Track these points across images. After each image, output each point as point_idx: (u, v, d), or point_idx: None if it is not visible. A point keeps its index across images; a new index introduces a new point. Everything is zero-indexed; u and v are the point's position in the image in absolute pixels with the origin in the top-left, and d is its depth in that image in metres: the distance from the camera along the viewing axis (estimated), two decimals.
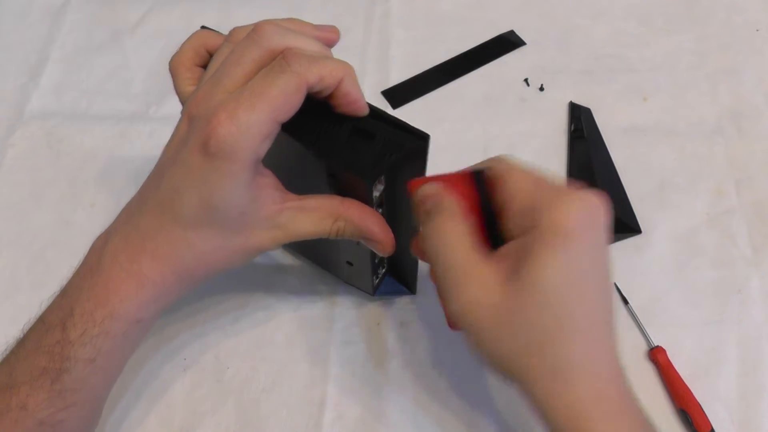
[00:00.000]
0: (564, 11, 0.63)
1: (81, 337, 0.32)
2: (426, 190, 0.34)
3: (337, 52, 0.61)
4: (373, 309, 0.47)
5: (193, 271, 0.35)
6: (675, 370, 0.44)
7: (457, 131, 0.56)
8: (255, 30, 0.33)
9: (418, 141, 0.35)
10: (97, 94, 0.60)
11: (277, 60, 0.32)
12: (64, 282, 0.50)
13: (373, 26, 0.63)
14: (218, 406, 0.44)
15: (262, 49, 0.32)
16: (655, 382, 0.44)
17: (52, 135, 0.57)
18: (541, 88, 0.58)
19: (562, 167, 0.54)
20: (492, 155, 0.54)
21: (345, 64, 0.34)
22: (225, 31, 0.66)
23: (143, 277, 0.33)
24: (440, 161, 0.54)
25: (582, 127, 0.55)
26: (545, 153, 0.55)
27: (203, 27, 0.39)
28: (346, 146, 0.34)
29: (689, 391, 0.43)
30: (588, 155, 0.54)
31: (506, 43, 0.61)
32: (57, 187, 0.54)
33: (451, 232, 0.32)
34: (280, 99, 0.31)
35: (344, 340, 0.46)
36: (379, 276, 0.46)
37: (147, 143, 0.56)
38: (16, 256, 0.51)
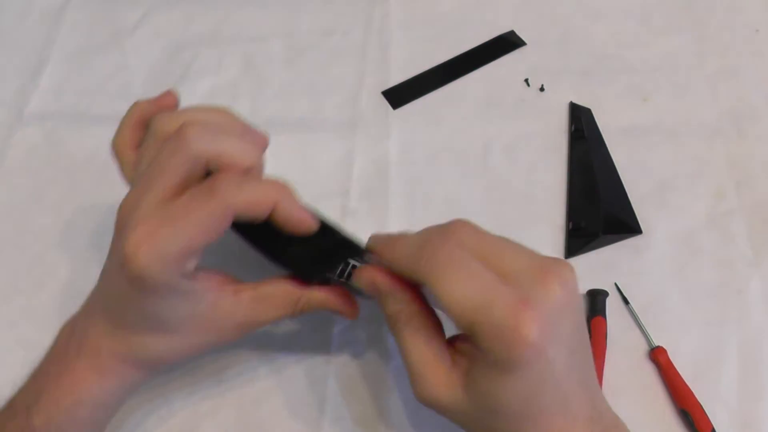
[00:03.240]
0: (564, 11, 0.63)
1: (45, 424, 0.32)
2: (385, 291, 0.33)
3: (337, 52, 0.62)
4: (374, 309, 0.47)
5: (154, 365, 0.35)
6: (676, 371, 0.44)
7: (457, 132, 0.56)
8: (179, 135, 0.30)
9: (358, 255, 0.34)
10: (97, 95, 0.60)
11: (206, 184, 0.29)
12: (64, 283, 0.50)
13: (373, 27, 0.63)
14: (218, 407, 0.44)
15: (186, 158, 0.30)
16: (656, 383, 0.44)
17: (52, 136, 0.57)
18: (542, 89, 0.58)
19: (563, 167, 0.54)
20: (492, 155, 0.55)
21: (278, 187, 0.31)
22: (225, 32, 0.66)
23: (106, 370, 0.33)
24: (440, 161, 0.55)
25: (582, 128, 0.55)
26: (545, 153, 0.55)
27: (136, 103, 0.37)
28: (291, 248, 0.33)
29: (690, 391, 0.43)
30: (588, 155, 0.54)
31: (506, 44, 0.61)
32: (57, 189, 0.54)
33: (413, 342, 0.32)
34: (202, 228, 0.29)
35: (344, 341, 0.46)
36: None
37: None
38: (15, 258, 0.51)
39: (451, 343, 0.32)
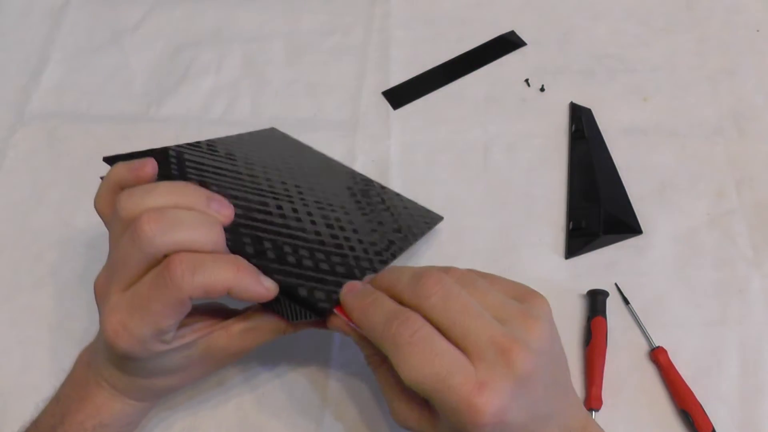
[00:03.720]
0: (564, 11, 0.63)
1: None
2: (356, 340, 0.34)
3: (337, 52, 0.62)
4: None
5: (166, 393, 0.39)
6: (676, 371, 0.44)
7: (457, 132, 0.56)
8: (135, 231, 0.31)
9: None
10: (98, 95, 0.60)
11: (160, 268, 0.30)
12: (64, 283, 0.50)
13: (373, 26, 0.63)
14: (219, 408, 0.44)
15: (143, 255, 0.31)
16: (656, 383, 0.44)
17: (53, 136, 0.57)
18: (542, 89, 0.58)
19: (563, 167, 0.54)
20: (492, 155, 0.55)
21: (233, 267, 0.32)
22: (225, 32, 0.66)
23: (126, 398, 0.37)
24: (440, 161, 0.55)
25: (583, 128, 0.55)
26: (546, 153, 0.55)
27: (105, 158, 0.38)
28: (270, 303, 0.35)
29: (690, 391, 0.43)
30: (589, 155, 0.54)
31: (507, 44, 0.61)
32: (57, 188, 0.54)
33: (387, 381, 0.34)
34: (165, 313, 0.31)
35: (345, 341, 0.46)
36: None
37: (147, 144, 0.56)
38: (16, 257, 0.51)
39: None
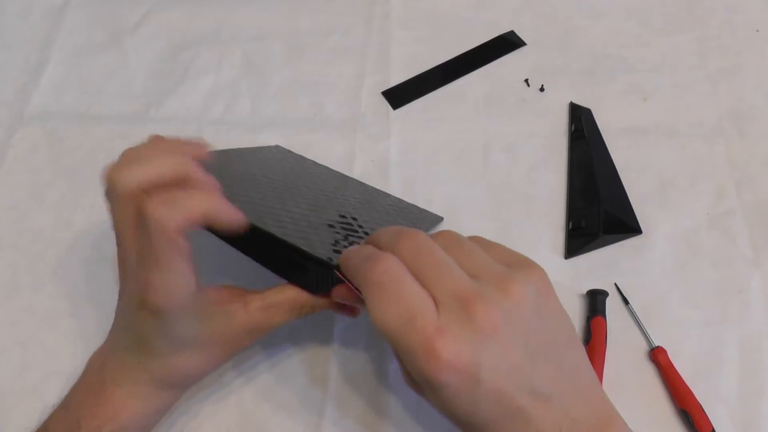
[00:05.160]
0: (564, 11, 0.63)
1: None
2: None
3: (337, 52, 0.62)
4: None
5: (184, 382, 0.39)
6: (676, 371, 0.44)
7: (457, 131, 0.56)
8: (107, 183, 0.33)
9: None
10: (98, 95, 0.60)
11: (140, 219, 0.31)
12: (64, 283, 0.50)
13: (373, 26, 0.63)
14: (219, 408, 0.44)
15: (121, 203, 0.32)
16: (656, 383, 0.44)
17: (53, 136, 0.57)
18: (542, 89, 0.58)
19: (563, 167, 0.54)
20: (492, 155, 0.55)
21: (206, 193, 0.33)
22: (225, 32, 0.66)
23: (145, 395, 0.37)
24: (440, 161, 0.55)
25: (582, 128, 0.55)
26: (545, 153, 0.55)
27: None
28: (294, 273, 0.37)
29: (690, 391, 0.43)
30: (588, 155, 0.54)
31: (506, 44, 0.61)
32: (57, 188, 0.54)
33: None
34: (169, 256, 0.31)
35: (345, 341, 0.46)
36: None
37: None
38: (16, 257, 0.51)
39: None
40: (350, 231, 0.41)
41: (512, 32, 0.62)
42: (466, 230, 0.51)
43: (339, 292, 0.35)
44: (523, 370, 0.28)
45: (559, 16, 0.63)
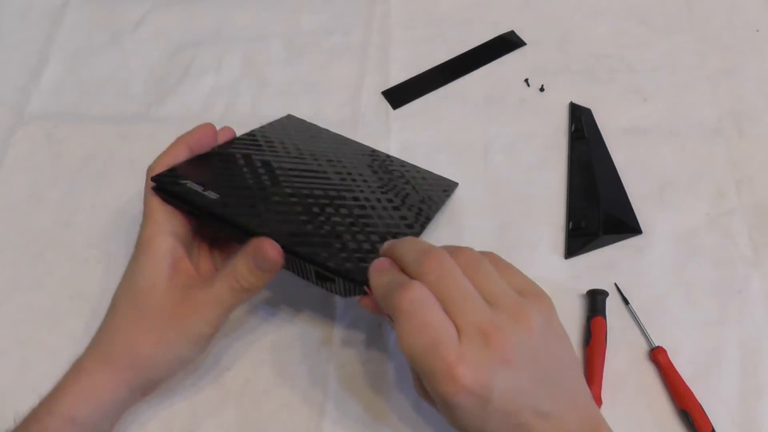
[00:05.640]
0: (564, 11, 0.63)
1: None
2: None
3: (337, 52, 0.62)
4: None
5: (158, 366, 0.39)
6: (676, 371, 0.44)
7: (457, 131, 0.56)
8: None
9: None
10: (97, 95, 0.60)
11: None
12: (64, 283, 0.50)
13: (373, 26, 0.63)
14: (219, 408, 0.44)
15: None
16: (655, 383, 0.44)
17: (52, 136, 0.57)
18: (542, 89, 0.58)
19: (563, 167, 0.54)
20: (492, 155, 0.55)
21: (182, 136, 0.43)
22: (225, 32, 0.66)
23: (81, 369, 0.38)
24: (441, 161, 0.55)
25: (582, 128, 0.55)
26: (545, 153, 0.55)
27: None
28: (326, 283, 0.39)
29: (690, 391, 0.43)
30: (588, 155, 0.54)
31: (506, 44, 0.61)
32: (57, 188, 0.54)
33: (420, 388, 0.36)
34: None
35: (345, 341, 0.46)
36: None
37: (147, 144, 0.56)
38: (16, 257, 0.51)
39: None
40: (366, 221, 0.42)
41: (512, 32, 0.62)
42: (466, 230, 0.51)
43: (366, 304, 0.37)
44: (529, 393, 0.31)
45: (559, 16, 0.63)
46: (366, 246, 0.39)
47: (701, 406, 0.42)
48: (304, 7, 0.65)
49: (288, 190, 0.42)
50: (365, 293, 0.36)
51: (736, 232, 0.50)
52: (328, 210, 0.41)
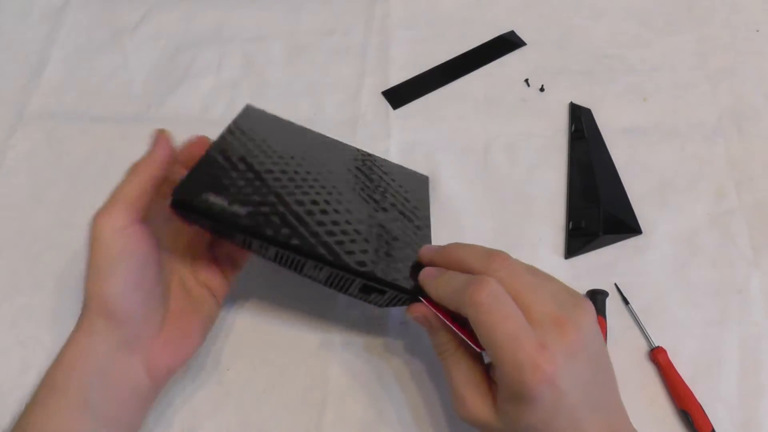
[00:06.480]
0: (564, 11, 0.63)
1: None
2: (436, 328, 0.37)
3: (337, 52, 0.62)
4: (374, 309, 0.47)
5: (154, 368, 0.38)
6: (676, 371, 0.44)
7: (457, 131, 0.56)
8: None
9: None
10: (98, 95, 0.60)
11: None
12: (64, 284, 0.50)
13: (373, 26, 0.63)
14: (219, 408, 0.44)
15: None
16: (655, 383, 0.44)
17: (53, 136, 0.57)
18: (542, 89, 0.58)
19: (563, 167, 0.54)
20: (492, 155, 0.55)
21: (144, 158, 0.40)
22: (225, 32, 0.66)
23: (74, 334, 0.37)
24: (441, 161, 0.55)
25: (582, 128, 0.55)
26: (546, 153, 0.55)
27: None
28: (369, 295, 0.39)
29: (690, 391, 0.43)
30: (588, 155, 0.54)
31: (507, 44, 0.61)
32: (57, 188, 0.54)
33: (456, 369, 0.37)
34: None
35: (345, 341, 0.46)
36: None
37: (147, 144, 0.56)
38: (16, 257, 0.51)
39: (488, 371, 0.37)
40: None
41: (512, 32, 0.62)
42: (466, 230, 0.51)
43: (417, 312, 0.37)
44: (588, 386, 0.32)
45: (559, 16, 0.63)
46: (397, 255, 0.39)
47: (701, 406, 0.42)
48: (304, 7, 0.65)
49: (304, 197, 0.40)
50: (411, 302, 0.37)
51: (736, 232, 0.50)
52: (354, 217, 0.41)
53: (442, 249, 0.38)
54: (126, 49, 0.63)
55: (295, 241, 0.36)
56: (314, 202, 0.40)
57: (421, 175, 0.51)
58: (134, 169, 0.38)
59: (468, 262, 0.35)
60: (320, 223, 0.38)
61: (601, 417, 0.33)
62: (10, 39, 0.64)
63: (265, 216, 0.37)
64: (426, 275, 0.37)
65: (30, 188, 0.54)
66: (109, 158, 0.56)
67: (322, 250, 0.36)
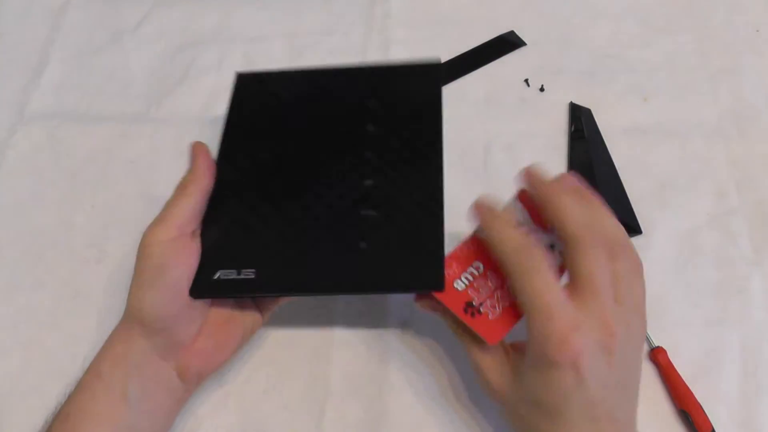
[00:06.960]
0: (564, 11, 0.63)
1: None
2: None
3: (337, 52, 0.62)
4: (374, 309, 0.47)
5: (188, 375, 0.40)
6: (676, 371, 0.44)
7: (457, 131, 0.56)
8: None
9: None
10: (98, 95, 0.60)
11: None
12: (64, 283, 0.50)
13: (373, 26, 0.63)
14: (219, 408, 0.44)
15: None
16: (655, 383, 0.44)
17: (53, 136, 0.57)
18: (542, 89, 0.58)
19: (563, 167, 0.54)
20: (492, 155, 0.55)
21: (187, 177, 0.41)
22: (226, 32, 0.66)
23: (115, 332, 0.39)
24: None
25: (582, 128, 0.55)
26: (546, 153, 0.55)
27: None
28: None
29: (690, 391, 0.43)
30: (588, 155, 0.54)
31: (506, 44, 0.61)
32: (57, 188, 0.54)
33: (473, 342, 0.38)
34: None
35: (345, 341, 0.46)
36: None
37: (147, 144, 0.56)
38: (16, 257, 0.51)
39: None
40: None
41: (512, 32, 0.62)
42: (466, 230, 0.51)
43: (426, 306, 0.39)
44: (612, 391, 0.33)
45: (559, 16, 0.63)
46: (430, 245, 0.40)
47: (701, 406, 0.42)
48: (304, 7, 0.65)
49: (301, 234, 0.41)
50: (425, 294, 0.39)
51: (737, 232, 0.50)
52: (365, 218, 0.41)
53: (546, 187, 0.39)
54: (126, 49, 0.63)
55: (300, 288, 0.40)
56: (310, 228, 0.41)
57: (429, 65, 0.49)
58: (182, 188, 0.39)
59: (568, 228, 0.36)
60: (338, 251, 0.40)
61: (615, 426, 0.33)
62: (10, 39, 0.64)
63: (273, 269, 0.39)
64: (481, 206, 0.40)
65: (30, 189, 0.54)
66: (109, 158, 0.56)
67: (328, 284, 0.39)
